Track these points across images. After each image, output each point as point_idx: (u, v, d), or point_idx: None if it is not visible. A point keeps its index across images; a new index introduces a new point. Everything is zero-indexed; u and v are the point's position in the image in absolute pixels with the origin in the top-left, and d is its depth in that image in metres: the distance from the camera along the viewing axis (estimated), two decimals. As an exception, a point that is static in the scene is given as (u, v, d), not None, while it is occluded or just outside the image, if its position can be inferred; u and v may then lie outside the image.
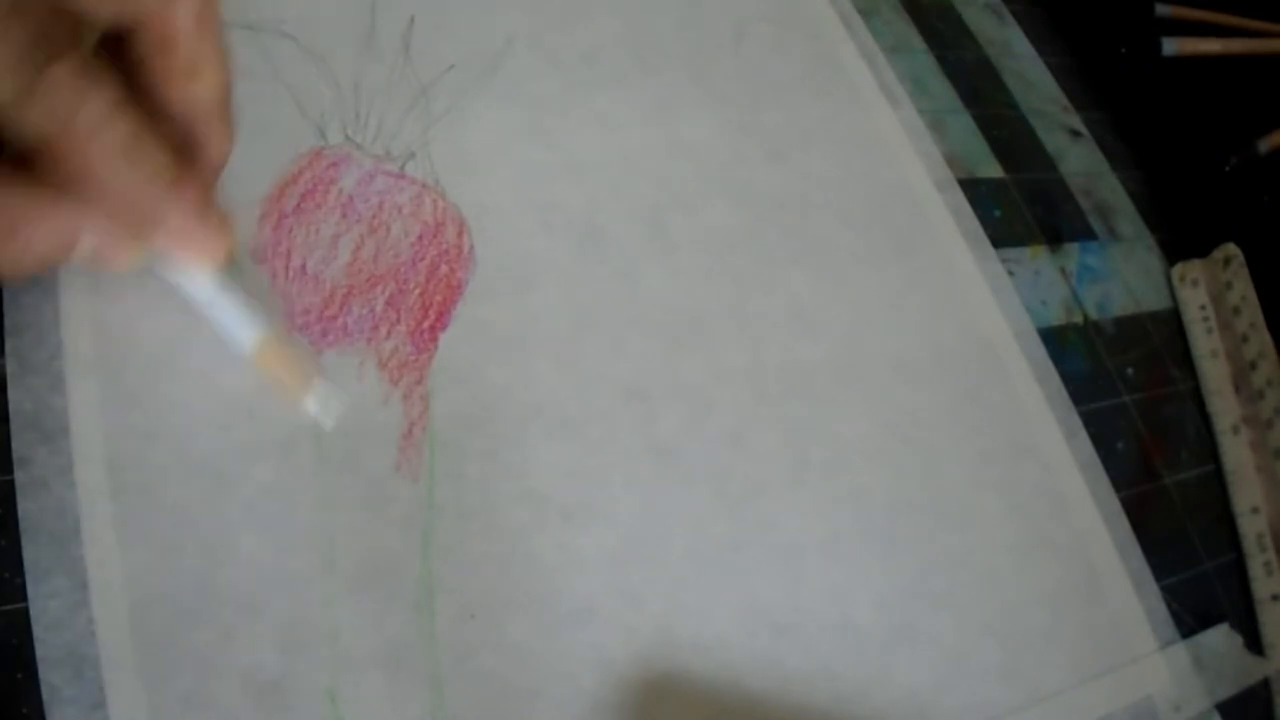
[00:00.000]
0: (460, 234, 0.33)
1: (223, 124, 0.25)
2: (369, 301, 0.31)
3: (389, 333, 0.30)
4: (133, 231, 0.24)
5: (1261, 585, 0.40)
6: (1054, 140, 0.48)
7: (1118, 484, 0.39)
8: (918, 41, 0.47)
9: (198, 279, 0.26)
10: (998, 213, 0.44)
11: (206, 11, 0.23)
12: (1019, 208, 0.45)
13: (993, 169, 0.45)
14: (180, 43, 0.23)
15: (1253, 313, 0.44)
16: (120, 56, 0.23)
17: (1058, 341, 0.41)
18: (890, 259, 0.40)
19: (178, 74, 0.23)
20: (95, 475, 0.26)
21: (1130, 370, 0.43)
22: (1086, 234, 0.46)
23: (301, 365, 0.27)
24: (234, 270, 0.26)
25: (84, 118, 0.21)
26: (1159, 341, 0.45)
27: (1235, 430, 0.42)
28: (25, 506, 0.25)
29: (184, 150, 0.24)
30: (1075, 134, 0.49)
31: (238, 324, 0.26)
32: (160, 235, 0.24)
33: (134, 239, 0.24)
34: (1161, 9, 0.52)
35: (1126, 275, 0.46)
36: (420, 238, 0.32)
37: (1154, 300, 0.46)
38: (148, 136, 0.22)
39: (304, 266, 0.30)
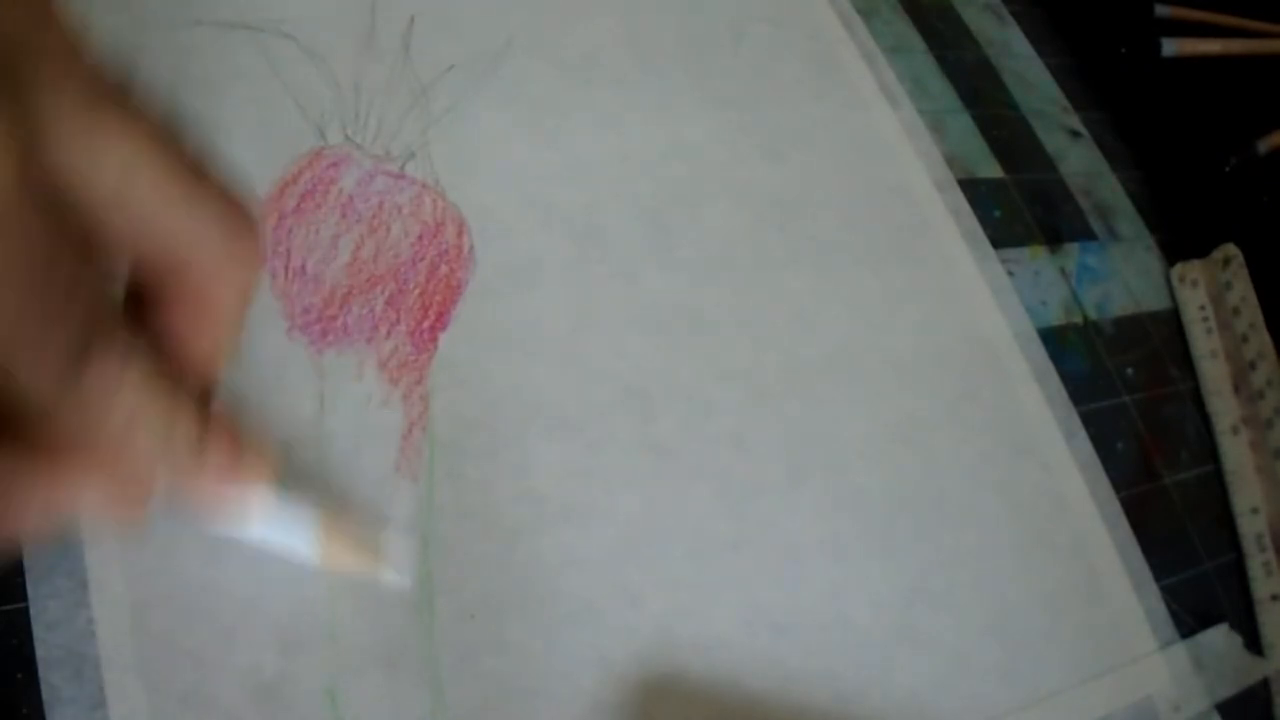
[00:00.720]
0: (460, 234, 0.33)
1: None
2: (369, 301, 0.31)
3: (389, 333, 0.30)
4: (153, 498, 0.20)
5: (1261, 585, 0.40)
6: (1054, 140, 0.48)
7: (1118, 484, 0.39)
8: (918, 42, 0.47)
9: (240, 524, 0.23)
10: (997, 213, 0.44)
11: (250, 294, 0.20)
12: (1019, 208, 0.45)
13: (992, 169, 0.45)
14: (213, 320, 0.19)
15: (1252, 313, 0.44)
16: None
17: (1057, 342, 0.41)
18: (890, 259, 0.40)
19: (199, 348, 0.20)
20: (95, 475, 0.26)
21: (1130, 370, 0.43)
22: (1086, 234, 0.46)
23: (367, 550, 0.26)
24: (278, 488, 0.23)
25: (120, 406, 0.17)
26: (1159, 342, 0.45)
27: (1235, 430, 0.42)
28: (25, 506, 0.25)
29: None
30: (1075, 134, 0.49)
31: (292, 544, 0.24)
32: (191, 498, 0.21)
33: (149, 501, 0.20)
34: (1161, 9, 0.52)
35: (1126, 275, 0.46)
36: (420, 238, 0.32)
37: (1154, 300, 0.46)
38: (182, 408, 0.18)
39: (304, 266, 0.30)
